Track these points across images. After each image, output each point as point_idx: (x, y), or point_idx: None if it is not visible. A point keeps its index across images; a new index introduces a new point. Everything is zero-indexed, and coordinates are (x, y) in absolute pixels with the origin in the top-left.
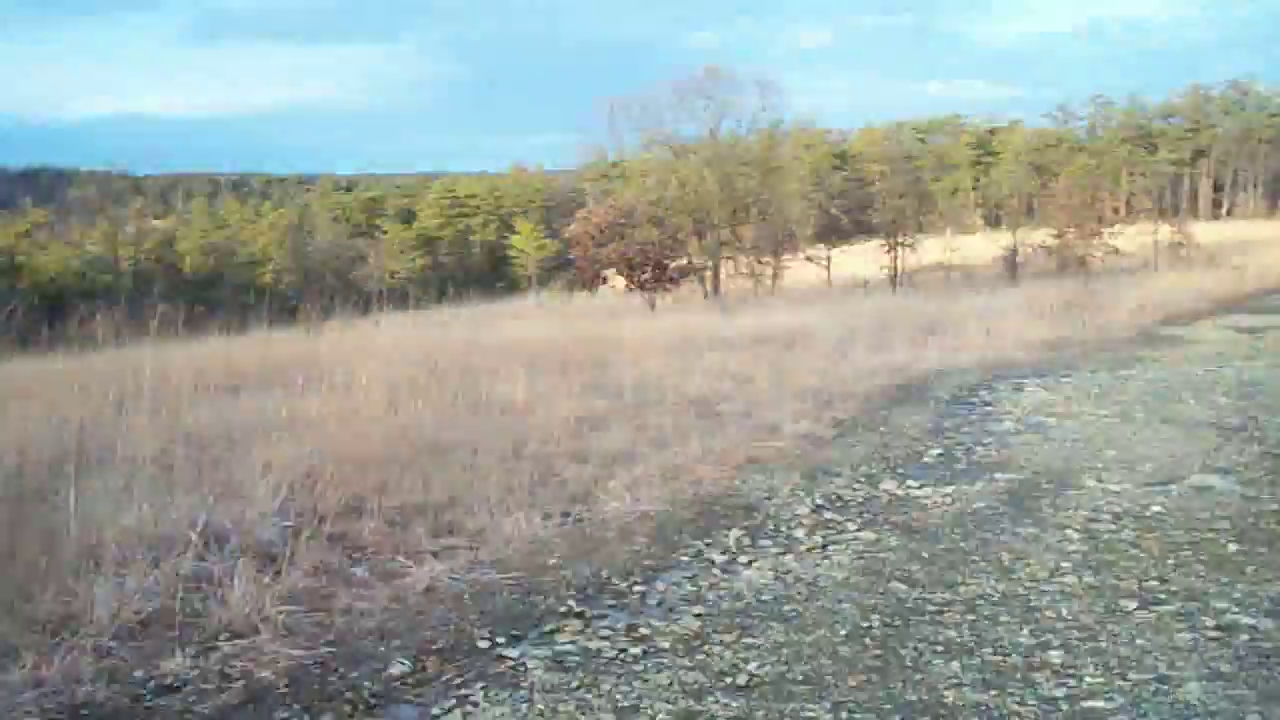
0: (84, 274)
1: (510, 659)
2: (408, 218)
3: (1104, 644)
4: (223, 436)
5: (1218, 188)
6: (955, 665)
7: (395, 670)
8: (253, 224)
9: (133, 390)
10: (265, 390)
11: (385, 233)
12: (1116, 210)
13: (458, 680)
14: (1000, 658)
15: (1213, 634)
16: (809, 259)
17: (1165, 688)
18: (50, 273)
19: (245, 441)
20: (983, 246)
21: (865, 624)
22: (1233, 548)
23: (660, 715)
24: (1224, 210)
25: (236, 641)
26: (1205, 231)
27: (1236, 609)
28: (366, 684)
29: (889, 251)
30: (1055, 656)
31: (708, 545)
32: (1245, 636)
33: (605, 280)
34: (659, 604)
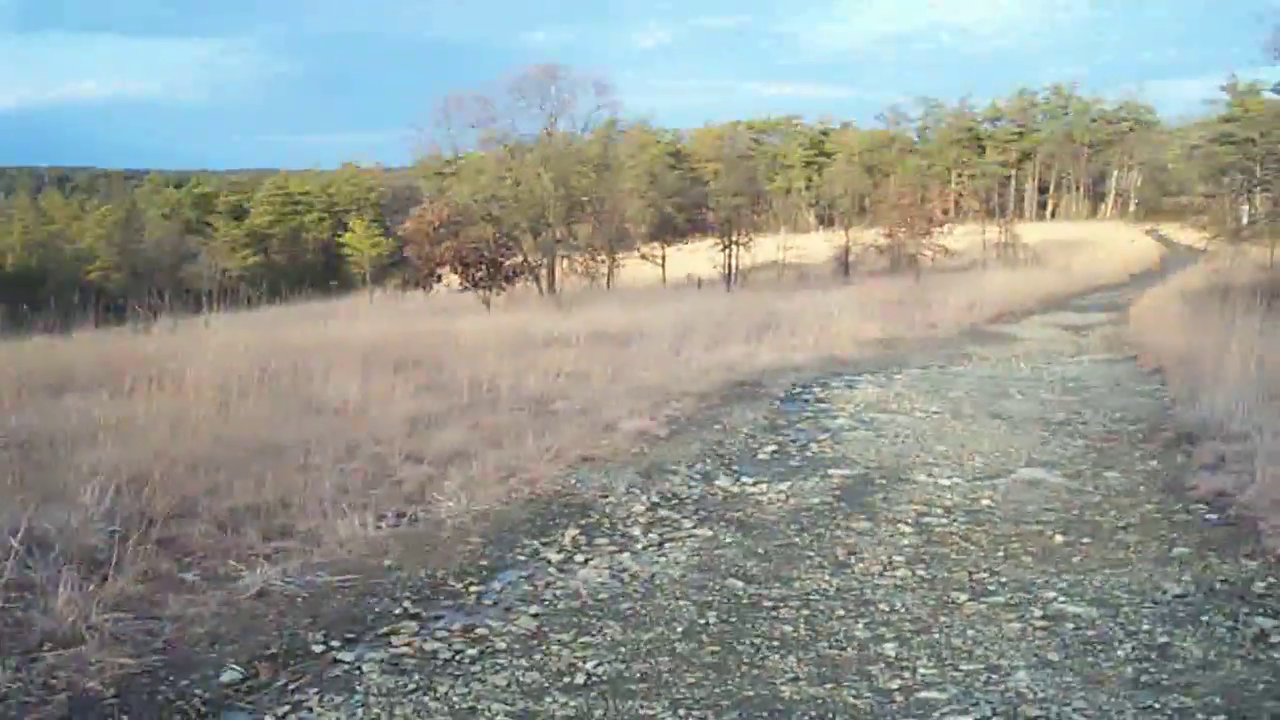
0: None
1: (345, 663)
2: (240, 215)
3: (937, 636)
4: (46, 439)
5: (1043, 189)
6: (792, 660)
7: (227, 677)
8: (79, 220)
9: None
10: (92, 392)
11: (216, 230)
12: (946, 211)
13: (292, 685)
14: (836, 651)
15: (1040, 623)
16: (644, 257)
17: (995, 677)
18: None
19: (70, 444)
20: (817, 246)
21: (702, 620)
22: (1059, 539)
23: (498, 716)
24: (1049, 212)
25: (61, 651)
26: (1031, 232)
27: (1063, 599)
28: (198, 692)
29: (724, 250)
30: (890, 649)
31: (544, 544)
32: (1071, 625)
33: (440, 278)
34: (495, 604)
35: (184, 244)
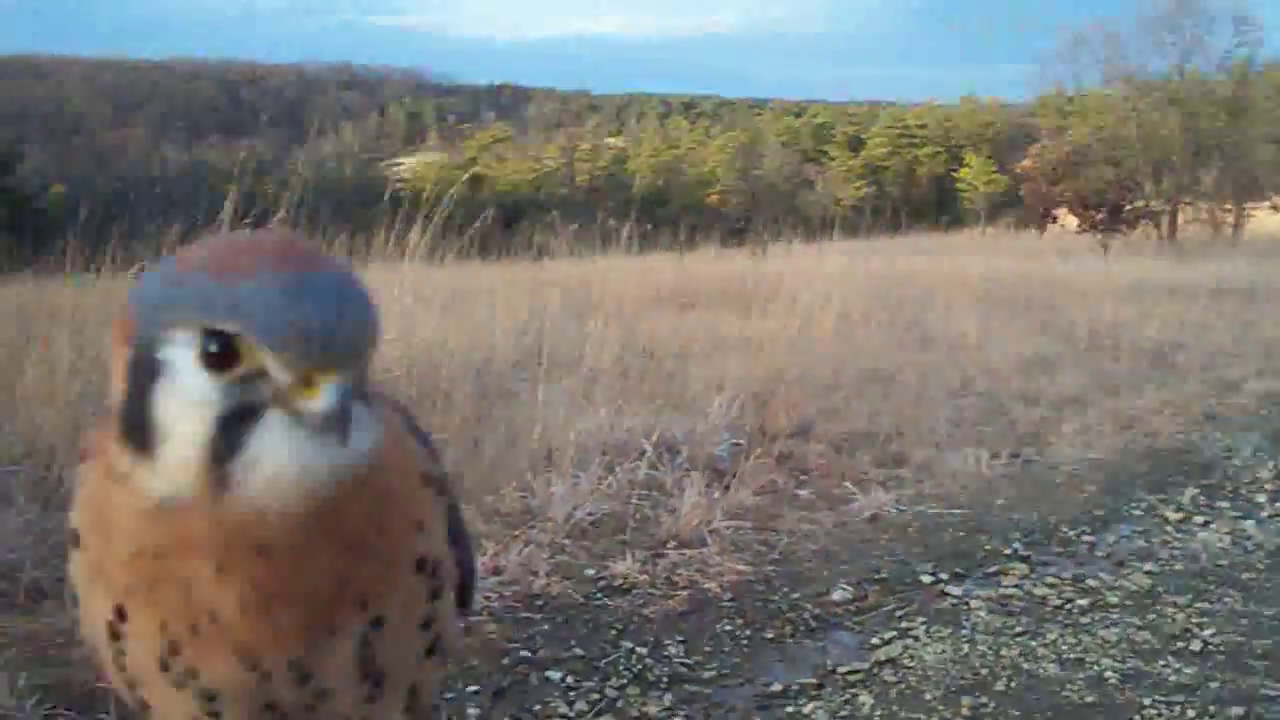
0: (539, 187)
1: (953, 596)
2: (855, 145)
3: None
4: (674, 351)
5: None
6: None
7: (837, 596)
8: (702, 145)
9: (588, 301)
10: (714, 309)
11: (832, 160)
12: None
13: (899, 612)
14: None
15: None
16: (1275, 208)
17: None
18: (509, 184)
19: (696, 357)
20: None
21: None
22: None
23: (1106, 672)
24: None
25: (684, 551)
26: None
27: None
28: (808, 606)
29: None
30: None
31: (1161, 501)
32: None
33: (1055, 219)
34: (1108, 556)
35: (800, 172)
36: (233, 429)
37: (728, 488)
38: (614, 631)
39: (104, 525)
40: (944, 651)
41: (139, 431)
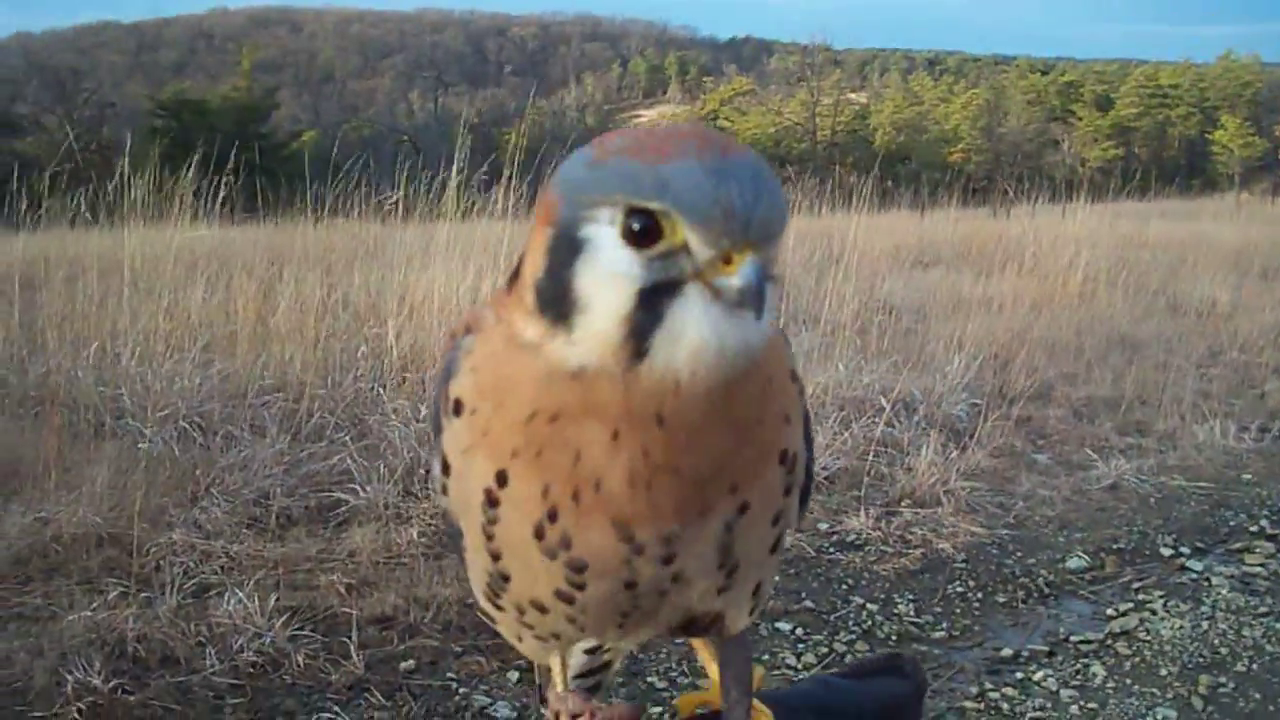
0: (780, 141)
1: (1194, 571)
2: (1104, 105)
3: None
4: (914, 309)
5: None
6: None
7: (1073, 564)
8: (945, 102)
9: (827, 257)
10: (955, 268)
11: (1079, 119)
12: None
13: (1136, 584)
14: None
15: None
16: None
17: None
18: (749, 138)
19: (936, 316)
20: None
21: None
22: None
23: None
24: None
25: (918, 510)
26: None
27: None
28: (1043, 573)
29: None
30: None
31: None
32: None
33: None
34: None
35: (1046, 131)
36: (652, 302)
37: (964, 448)
38: (845, 586)
39: (497, 391)
40: (1182, 627)
41: (557, 304)
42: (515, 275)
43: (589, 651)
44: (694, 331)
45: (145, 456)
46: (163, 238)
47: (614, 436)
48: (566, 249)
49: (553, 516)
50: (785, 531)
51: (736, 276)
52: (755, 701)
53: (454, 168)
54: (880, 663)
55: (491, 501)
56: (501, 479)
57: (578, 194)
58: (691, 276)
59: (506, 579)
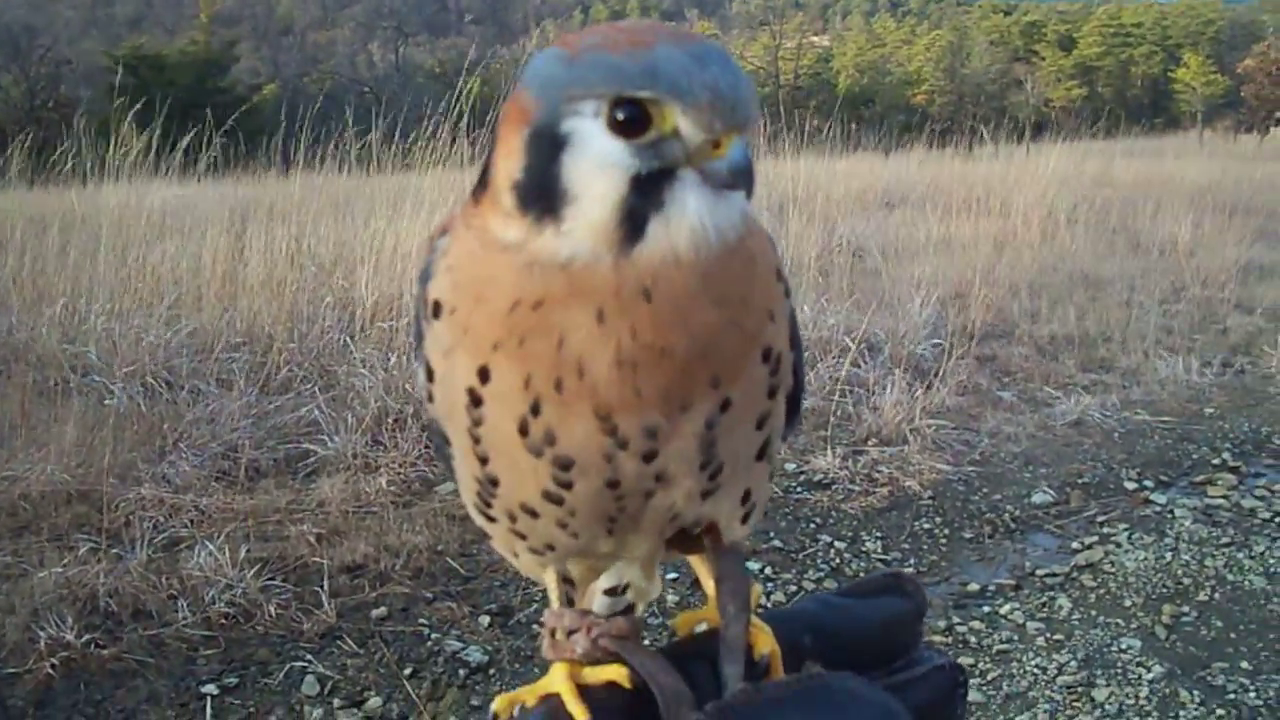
0: None
1: (1157, 504)
2: (1067, 45)
3: None
4: (879, 250)
5: None
6: None
7: (1038, 499)
8: (908, 44)
9: (792, 198)
10: (918, 208)
11: (1043, 59)
12: None
13: (1100, 518)
14: None
15: None
16: None
17: None
18: None
19: (900, 257)
20: None
21: None
22: None
23: None
24: None
25: (885, 448)
26: None
27: None
28: (1009, 508)
29: None
30: None
31: None
32: None
33: (1278, 123)
34: None
35: (1009, 72)
36: (644, 189)
37: (929, 387)
38: (813, 525)
39: (476, 286)
40: (1146, 559)
41: (542, 200)
42: (482, 186)
43: (609, 593)
44: (693, 214)
45: (112, 413)
46: (126, 194)
47: (599, 318)
48: (548, 145)
49: (535, 410)
50: (774, 438)
51: (726, 158)
52: (753, 618)
53: (420, 120)
54: (881, 582)
55: (475, 400)
56: (484, 375)
57: (557, 90)
58: (684, 162)
59: (495, 483)
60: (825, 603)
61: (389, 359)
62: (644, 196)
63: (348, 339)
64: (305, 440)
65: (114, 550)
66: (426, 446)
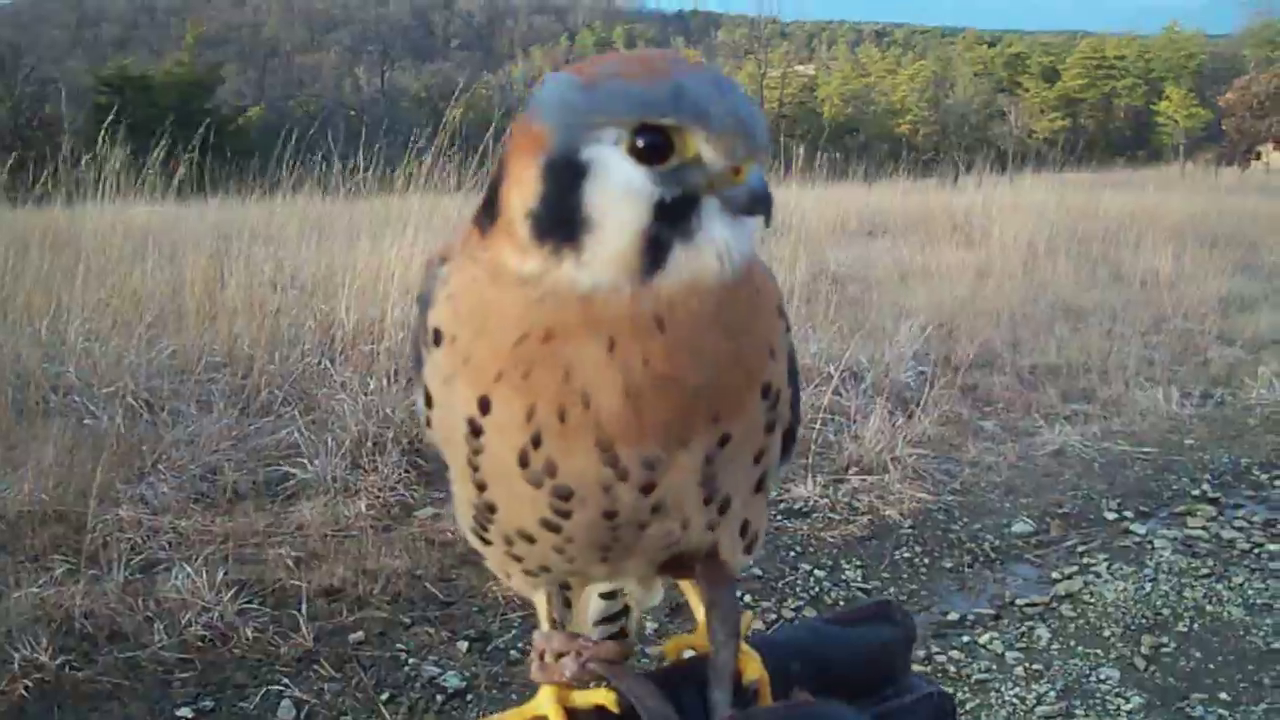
0: None
1: (1137, 534)
2: (1050, 76)
3: None
4: (862, 279)
5: None
6: None
7: (1018, 528)
8: (893, 74)
9: (776, 226)
10: (901, 237)
11: (1026, 91)
12: None
13: (1081, 548)
14: None
15: None
16: None
17: None
18: None
19: (883, 286)
20: None
21: None
22: None
23: None
24: None
25: (866, 477)
26: None
27: None
28: (989, 538)
29: None
30: None
31: None
32: None
33: (1259, 156)
34: None
35: (993, 103)
36: (667, 217)
37: (911, 416)
38: (793, 554)
39: (479, 317)
40: (1125, 589)
41: (560, 230)
42: (488, 216)
43: (605, 596)
44: (720, 241)
45: (92, 433)
46: (110, 215)
47: (610, 348)
48: (567, 174)
49: (537, 442)
50: (771, 471)
51: (746, 184)
52: (742, 644)
53: (405, 144)
54: (869, 610)
55: (475, 430)
56: (485, 405)
57: (575, 118)
58: (706, 189)
59: (493, 510)
60: (814, 630)
61: (369, 383)
62: (666, 224)
63: (328, 362)
64: (285, 463)
65: (91, 571)
66: (406, 471)
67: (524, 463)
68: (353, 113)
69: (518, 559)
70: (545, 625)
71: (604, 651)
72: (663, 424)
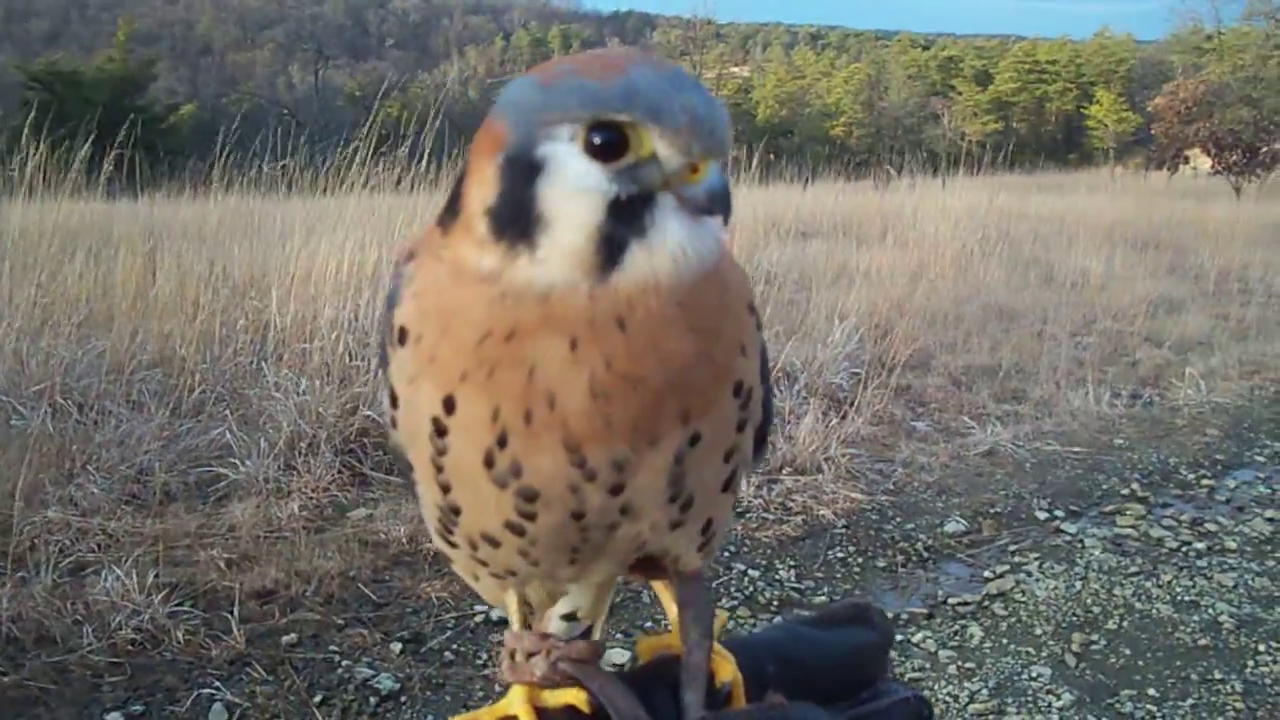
0: None
1: (1068, 534)
2: (983, 80)
3: None
4: (796, 280)
5: None
6: None
7: (951, 528)
8: (827, 77)
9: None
10: (836, 240)
11: (960, 94)
12: None
13: (1012, 547)
14: None
15: None
16: None
17: None
18: None
19: (817, 287)
20: None
21: None
22: None
23: (1222, 616)
24: None
25: (799, 477)
26: None
27: None
28: (922, 537)
29: None
30: None
31: None
32: None
33: (1187, 160)
34: (1228, 501)
35: (927, 106)
36: (621, 215)
37: (845, 416)
38: (726, 554)
39: (443, 315)
40: (1056, 588)
41: (516, 226)
42: (450, 214)
43: (566, 618)
44: (673, 240)
45: (19, 433)
46: (36, 211)
47: (573, 347)
48: (523, 171)
49: (502, 442)
50: (740, 470)
51: (704, 183)
52: (716, 645)
53: (339, 143)
54: (846, 612)
55: (439, 430)
56: (449, 405)
57: (531, 115)
58: (662, 186)
59: (457, 512)
60: (790, 631)
61: (302, 383)
62: (621, 222)
63: (261, 362)
64: (216, 464)
65: (18, 574)
66: (339, 472)
67: (489, 463)
68: (286, 111)
69: (484, 563)
70: (516, 625)
71: (575, 651)
72: (631, 423)
